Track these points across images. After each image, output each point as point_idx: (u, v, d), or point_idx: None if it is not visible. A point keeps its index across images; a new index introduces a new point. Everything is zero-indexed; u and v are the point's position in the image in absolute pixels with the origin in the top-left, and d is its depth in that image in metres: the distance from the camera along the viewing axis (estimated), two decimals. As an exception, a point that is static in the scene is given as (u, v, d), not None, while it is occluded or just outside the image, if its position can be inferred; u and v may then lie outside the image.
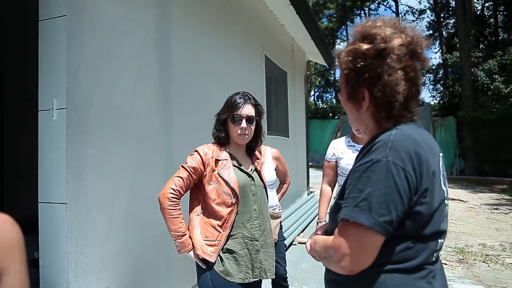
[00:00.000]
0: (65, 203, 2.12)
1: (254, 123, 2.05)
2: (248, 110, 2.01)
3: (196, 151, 1.98)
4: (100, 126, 2.36)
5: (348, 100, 1.14)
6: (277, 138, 6.39)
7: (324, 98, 35.72)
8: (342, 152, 2.78)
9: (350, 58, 1.08)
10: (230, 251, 1.90)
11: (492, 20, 20.62)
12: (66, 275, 2.11)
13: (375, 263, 0.98)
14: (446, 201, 1.06)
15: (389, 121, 1.06)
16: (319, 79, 29.92)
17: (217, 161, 1.95)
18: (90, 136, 2.28)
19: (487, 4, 21.12)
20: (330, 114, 27.40)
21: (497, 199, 9.05)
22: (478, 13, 20.28)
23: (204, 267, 1.88)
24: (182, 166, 1.93)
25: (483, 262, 4.51)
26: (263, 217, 2.05)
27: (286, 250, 4.88)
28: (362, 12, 32.29)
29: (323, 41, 8.22)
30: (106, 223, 2.38)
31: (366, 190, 0.95)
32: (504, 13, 19.72)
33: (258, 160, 2.18)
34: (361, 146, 2.52)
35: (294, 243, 5.05)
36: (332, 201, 1.29)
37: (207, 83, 3.76)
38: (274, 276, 2.06)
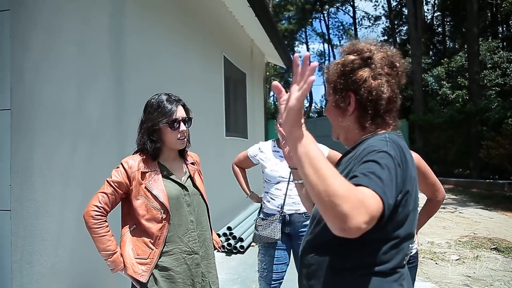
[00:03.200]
0: (9, 210, 2.00)
1: (190, 124, 1.94)
2: (181, 112, 1.87)
3: (121, 164, 1.82)
4: (48, 127, 2.24)
5: (335, 107, 1.21)
6: (236, 139, 6.39)
7: (284, 99, 36.12)
8: (266, 157, 2.70)
9: (339, 66, 1.18)
10: (165, 269, 1.79)
11: (440, 29, 21.81)
12: (9, 286, 1.99)
13: (353, 265, 1.02)
14: (417, 207, 1.14)
15: (373, 124, 1.15)
16: (278, 81, 30.25)
17: (143, 173, 1.80)
18: (37, 138, 2.16)
19: (436, 14, 22.33)
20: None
21: (444, 199, 9.57)
22: (428, 22, 21.38)
23: (138, 287, 1.78)
24: (107, 181, 1.78)
25: (431, 259, 4.74)
26: (201, 227, 1.94)
27: (244, 251, 4.91)
28: (321, 15, 33.05)
29: (282, 44, 8.33)
30: (55, 230, 2.27)
31: (375, 170, 0.94)
32: (451, 23, 20.92)
33: (192, 165, 2.03)
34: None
35: (252, 244, 5.08)
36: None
37: (164, 84, 3.68)
38: None
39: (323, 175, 0.84)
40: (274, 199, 2.61)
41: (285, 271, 2.62)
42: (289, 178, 2.57)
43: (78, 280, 2.47)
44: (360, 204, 0.83)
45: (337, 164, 1.21)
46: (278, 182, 2.61)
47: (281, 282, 2.62)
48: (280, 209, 2.56)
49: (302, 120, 0.92)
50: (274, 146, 2.75)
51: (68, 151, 2.41)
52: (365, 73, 1.14)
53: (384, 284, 1.05)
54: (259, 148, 2.79)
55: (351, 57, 1.17)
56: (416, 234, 2.15)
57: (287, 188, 2.58)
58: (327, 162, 0.87)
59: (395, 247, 1.05)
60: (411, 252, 1.12)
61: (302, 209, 2.53)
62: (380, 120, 1.16)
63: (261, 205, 2.73)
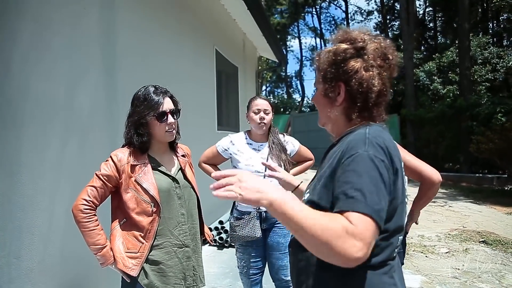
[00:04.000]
0: (-4, 204, 1.96)
1: (179, 116, 1.92)
2: (169, 103, 1.84)
3: (110, 157, 1.80)
4: (36, 120, 2.20)
5: (324, 96, 1.18)
6: (228, 133, 6.36)
7: (276, 93, 36.23)
8: (239, 150, 2.56)
9: (330, 54, 1.14)
10: (155, 263, 1.78)
11: (432, 24, 21.91)
12: (-3, 281, 1.96)
13: None
14: (406, 199, 1.13)
15: (360, 117, 1.12)
16: (271, 75, 30.23)
17: (133, 166, 1.78)
18: (25, 132, 2.12)
19: (428, 10, 22.41)
20: (281, 109, 27.75)
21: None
22: (420, 17, 21.45)
23: (128, 281, 1.77)
24: (96, 174, 1.76)
25: (421, 252, 4.79)
26: (192, 220, 1.94)
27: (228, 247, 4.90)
28: (313, 9, 32.99)
29: (274, 38, 8.29)
30: (44, 224, 2.24)
31: (356, 181, 0.93)
32: (442, 19, 21.02)
33: (183, 158, 2.01)
34: (259, 144, 2.57)
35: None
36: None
37: (155, 77, 3.64)
38: (205, 285, 1.96)
39: (304, 228, 0.87)
40: None
41: (264, 264, 2.60)
42: (265, 172, 2.45)
43: (68, 274, 2.45)
44: (349, 236, 0.85)
45: (323, 158, 1.19)
46: None
47: (262, 274, 2.62)
48: (256, 206, 2.43)
49: (260, 189, 0.94)
50: (247, 138, 2.61)
51: (58, 144, 2.38)
52: (357, 63, 1.10)
53: (374, 276, 1.04)
54: (231, 141, 2.61)
55: (344, 46, 1.13)
56: (412, 222, 2.17)
57: None
58: (302, 211, 0.89)
59: (384, 240, 1.04)
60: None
61: None
62: (368, 113, 1.13)
63: (234, 203, 2.61)
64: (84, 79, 2.64)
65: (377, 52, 1.12)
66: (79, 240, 2.52)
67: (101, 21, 2.86)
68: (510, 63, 13.55)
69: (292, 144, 2.68)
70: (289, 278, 2.55)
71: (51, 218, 2.29)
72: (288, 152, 2.61)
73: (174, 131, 1.88)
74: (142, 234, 1.77)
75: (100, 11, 2.86)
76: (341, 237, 0.84)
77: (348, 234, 0.85)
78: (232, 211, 2.62)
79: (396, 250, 1.10)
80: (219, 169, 2.74)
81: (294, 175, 2.73)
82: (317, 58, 1.21)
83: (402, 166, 1.11)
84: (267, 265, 2.60)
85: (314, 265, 1.09)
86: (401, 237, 1.11)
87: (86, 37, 2.68)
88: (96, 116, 2.78)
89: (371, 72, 1.10)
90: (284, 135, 2.69)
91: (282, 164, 2.49)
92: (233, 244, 2.63)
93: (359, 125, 1.12)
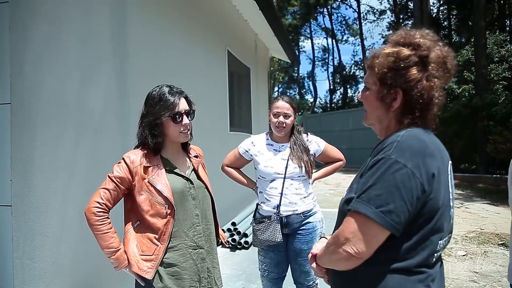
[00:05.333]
0: (10, 206, 1.98)
1: (193, 117, 1.88)
2: (184, 104, 1.81)
3: (123, 158, 1.77)
4: (49, 121, 2.21)
5: (377, 98, 1.14)
6: (240, 134, 6.34)
7: (288, 94, 36.10)
8: (259, 151, 2.52)
9: (391, 58, 1.08)
10: (170, 265, 1.76)
11: (446, 23, 21.58)
12: (11, 282, 1.97)
13: (375, 260, 1.00)
14: (451, 203, 1.10)
15: (412, 123, 1.09)
16: (283, 76, 30.17)
17: (146, 168, 1.75)
18: (38, 133, 2.13)
19: (442, 8, 22.08)
20: (297, 116, 27.63)
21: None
22: (434, 15, 21.15)
23: (143, 284, 1.74)
24: (109, 176, 1.73)
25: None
26: (206, 221, 1.90)
27: (249, 247, 4.88)
28: (325, 10, 32.83)
29: (286, 38, 8.26)
30: (57, 225, 2.24)
31: (368, 184, 1.00)
32: (457, 17, 20.69)
33: (196, 158, 1.98)
34: (280, 145, 2.55)
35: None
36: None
37: (167, 77, 3.63)
38: (223, 285, 1.94)
39: (322, 254, 1.17)
40: (269, 200, 2.44)
41: (286, 269, 2.56)
42: (285, 175, 2.42)
43: (80, 276, 2.45)
44: (342, 242, 1.03)
45: (372, 152, 1.15)
46: (273, 180, 2.44)
47: (284, 278, 2.58)
48: (276, 210, 2.41)
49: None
50: (268, 139, 2.57)
51: (70, 145, 2.38)
52: (420, 73, 1.06)
53: (407, 283, 1.01)
54: (252, 142, 2.58)
55: (406, 51, 1.07)
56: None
57: (283, 187, 2.41)
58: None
59: (420, 243, 1.01)
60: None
61: (300, 209, 2.42)
62: (421, 121, 1.09)
63: (256, 206, 2.58)
64: (95, 79, 2.65)
65: (439, 61, 1.08)
66: (91, 242, 2.52)
67: (112, 21, 2.86)
68: (528, 61, 13.24)
69: (316, 144, 2.58)
70: (311, 283, 2.51)
71: (63, 219, 2.29)
72: (312, 153, 2.53)
73: (188, 132, 1.85)
74: (157, 236, 1.74)
75: (112, 11, 2.86)
76: (338, 246, 1.04)
77: (343, 239, 1.02)
78: (254, 215, 2.58)
79: (435, 255, 1.06)
80: (242, 172, 2.73)
81: (320, 177, 2.66)
82: (372, 57, 1.16)
83: (448, 169, 1.09)
84: (289, 268, 2.57)
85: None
86: (442, 241, 1.07)
87: (97, 37, 2.69)
88: (107, 117, 2.78)
89: (432, 83, 1.07)
90: (308, 134, 2.61)
91: (303, 166, 2.43)
92: (256, 247, 2.59)
93: (404, 127, 1.09)
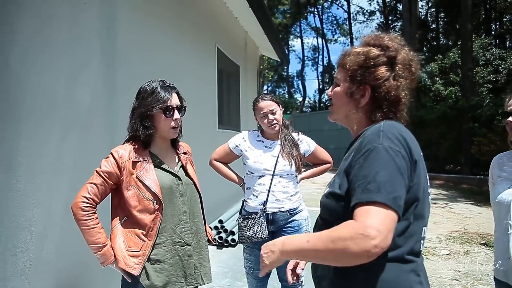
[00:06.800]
0: (-7, 200, 1.94)
1: (184, 113, 1.89)
2: (175, 99, 1.82)
3: (111, 153, 1.76)
4: (35, 116, 2.17)
5: (347, 94, 1.19)
6: (228, 132, 6.33)
7: (277, 92, 36.16)
8: (249, 147, 2.52)
9: (362, 57, 1.15)
10: (158, 262, 1.75)
11: (434, 25, 21.84)
12: (-7, 278, 1.93)
13: None
14: (428, 190, 1.13)
15: (386, 118, 1.15)
16: (272, 74, 30.18)
17: (134, 163, 1.74)
18: (22, 127, 2.09)
19: (430, 10, 22.34)
20: (283, 109, 27.67)
21: (435, 194, 9.62)
22: (422, 18, 21.39)
23: (129, 281, 1.73)
24: (96, 171, 1.72)
25: (422, 254, 4.77)
26: (194, 217, 1.90)
27: (236, 245, 4.88)
28: (315, 9, 32.93)
29: (276, 36, 8.27)
30: (41, 221, 2.21)
31: (371, 174, 0.97)
32: (444, 19, 20.95)
33: (184, 155, 1.98)
34: (271, 142, 2.55)
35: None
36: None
37: (156, 74, 3.59)
38: (211, 281, 1.94)
39: (317, 249, 0.97)
40: (256, 196, 2.44)
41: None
42: (274, 171, 2.43)
43: (65, 272, 2.42)
44: (362, 230, 0.90)
45: (345, 154, 1.20)
46: (262, 176, 2.45)
47: (269, 275, 2.58)
48: (263, 207, 2.41)
49: (270, 248, 1.10)
50: (258, 136, 2.58)
51: (57, 140, 2.35)
52: (387, 72, 1.14)
53: (401, 273, 1.03)
54: (243, 138, 2.58)
55: (375, 51, 1.15)
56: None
57: (271, 183, 2.42)
58: (308, 238, 1.00)
59: (406, 229, 1.04)
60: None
61: (286, 206, 2.44)
62: (393, 115, 1.16)
63: (243, 203, 2.58)
64: (83, 74, 2.61)
65: (405, 63, 1.16)
66: (76, 238, 2.50)
67: (101, 16, 2.83)
68: (513, 64, 13.48)
69: (307, 144, 2.61)
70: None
71: (48, 215, 2.26)
72: (302, 152, 2.56)
73: (178, 128, 1.85)
74: (144, 232, 1.73)
75: (100, 6, 2.82)
76: (353, 237, 0.89)
77: (360, 228, 0.90)
78: (240, 211, 2.58)
79: (421, 242, 1.10)
80: (230, 168, 2.71)
81: (307, 177, 2.68)
82: (344, 55, 1.22)
83: (422, 156, 1.11)
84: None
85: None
86: (425, 228, 1.11)
87: (86, 33, 2.65)
88: (95, 112, 2.75)
89: (399, 82, 1.14)
90: (298, 133, 2.63)
91: (293, 161, 2.45)
92: (242, 244, 2.58)
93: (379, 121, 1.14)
